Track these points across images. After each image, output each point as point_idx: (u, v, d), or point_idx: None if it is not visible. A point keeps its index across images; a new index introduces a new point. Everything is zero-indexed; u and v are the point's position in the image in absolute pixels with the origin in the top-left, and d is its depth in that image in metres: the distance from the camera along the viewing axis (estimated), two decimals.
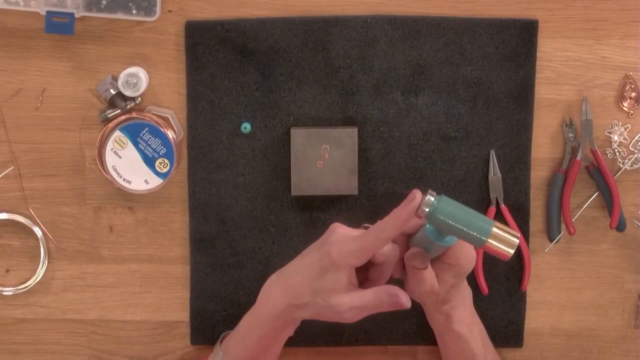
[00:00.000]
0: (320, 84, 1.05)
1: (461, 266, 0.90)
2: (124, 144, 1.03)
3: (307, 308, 0.89)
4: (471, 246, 0.89)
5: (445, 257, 0.89)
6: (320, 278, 0.87)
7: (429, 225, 0.86)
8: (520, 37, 1.04)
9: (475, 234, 0.83)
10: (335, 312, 0.88)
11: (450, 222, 0.83)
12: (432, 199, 0.83)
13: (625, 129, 1.07)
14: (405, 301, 0.87)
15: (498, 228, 0.83)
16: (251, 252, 1.08)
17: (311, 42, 1.04)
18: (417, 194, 0.83)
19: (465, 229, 0.83)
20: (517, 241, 0.83)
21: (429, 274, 0.90)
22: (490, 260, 1.08)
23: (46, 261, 1.09)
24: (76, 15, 1.01)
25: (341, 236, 0.87)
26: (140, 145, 1.03)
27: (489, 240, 0.82)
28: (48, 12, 1.00)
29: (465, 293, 0.99)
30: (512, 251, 0.83)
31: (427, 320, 1.04)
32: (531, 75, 1.05)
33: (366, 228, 0.87)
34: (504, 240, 0.83)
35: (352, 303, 0.87)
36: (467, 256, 0.89)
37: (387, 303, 0.87)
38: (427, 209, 0.83)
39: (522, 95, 1.05)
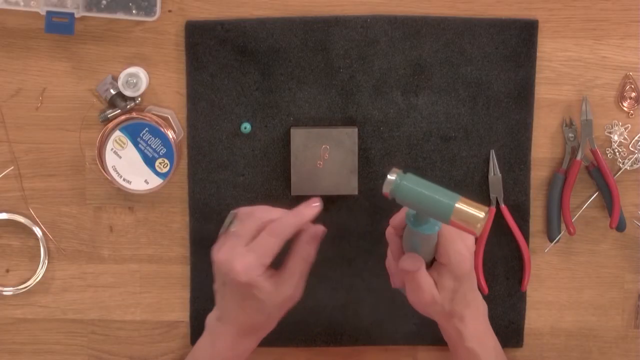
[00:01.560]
0: (320, 84, 1.05)
1: (452, 264, 0.88)
2: (124, 144, 1.03)
3: (263, 327, 0.95)
4: (462, 243, 0.88)
5: (437, 256, 0.89)
6: (251, 300, 0.90)
7: (407, 212, 0.86)
8: (520, 37, 1.04)
9: (439, 210, 0.81)
10: (288, 301, 0.92)
11: (414, 199, 0.82)
12: (394, 177, 0.83)
13: (625, 129, 1.07)
14: (310, 211, 0.91)
15: (463, 203, 0.81)
16: None
17: (311, 42, 1.04)
18: (317, 201, 0.91)
19: (428, 205, 0.82)
20: (482, 216, 0.80)
21: (424, 278, 0.89)
22: (490, 260, 1.08)
23: (46, 261, 1.09)
24: (76, 15, 1.01)
25: (230, 261, 0.89)
26: (140, 145, 1.03)
27: (453, 216, 0.81)
28: (48, 12, 1.00)
29: (478, 305, 0.95)
30: (477, 226, 0.80)
31: (429, 323, 1.02)
32: (531, 75, 1.05)
33: (235, 214, 0.91)
34: (468, 215, 0.80)
35: (289, 283, 0.91)
36: (457, 253, 0.88)
37: (306, 240, 0.91)
38: (390, 187, 0.83)
39: (522, 95, 1.05)
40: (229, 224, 0.93)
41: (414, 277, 0.89)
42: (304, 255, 0.92)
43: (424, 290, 0.89)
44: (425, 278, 0.89)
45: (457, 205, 0.81)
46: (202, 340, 0.97)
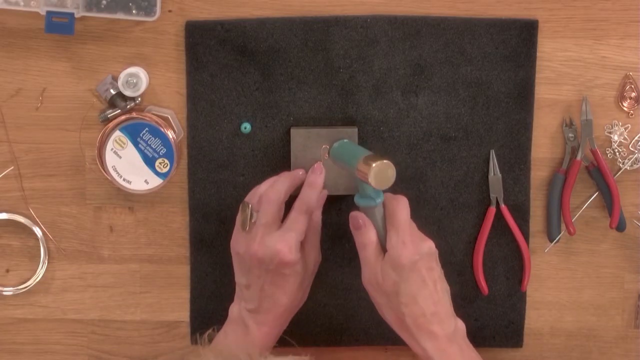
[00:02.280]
0: (320, 84, 1.05)
1: (391, 251, 0.92)
2: (124, 144, 1.03)
3: (299, 302, 1.01)
4: (409, 237, 0.93)
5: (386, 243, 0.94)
6: (294, 278, 0.97)
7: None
8: (520, 37, 1.04)
9: (351, 162, 0.94)
10: (315, 267, 1.02)
11: (340, 157, 0.99)
12: (335, 144, 1.01)
13: (625, 129, 1.07)
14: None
15: (367, 157, 0.92)
16: None
17: (311, 42, 1.04)
18: (319, 165, 1.01)
19: (346, 160, 0.97)
20: (374, 164, 0.90)
21: (369, 232, 0.94)
22: (490, 260, 1.08)
23: (46, 261, 1.09)
24: (76, 15, 1.01)
25: (273, 247, 0.95)
26: (140, 145, 1.03)
27: (358, 165, 0.92)
28: (48, 12, 1.00)
29: (442, 320, 0.93)
30: (371, 175, 0.90)
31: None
32: (531, 75, 1.05)
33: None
34: (366, 165, 0.91)
35: (312, 250, 1.00)
36: (398, 241, 0.92)
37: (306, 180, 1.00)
38: (328, 150, 1.01)
39: (522, 95, 1.05)
40: (251, 216, 0.96)
41: (359, 235, 0.95)
42: (315, 222, 1.00)
43: (368, 258, 0.94)
44: (370, 242, 0.94)
45: (361, 157, 0.92)
46: (232, 331, 0.99)
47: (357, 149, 0.98)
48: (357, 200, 0.96)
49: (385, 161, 0.91)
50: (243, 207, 0.97)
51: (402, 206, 0.94)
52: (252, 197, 0.99)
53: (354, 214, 0.96)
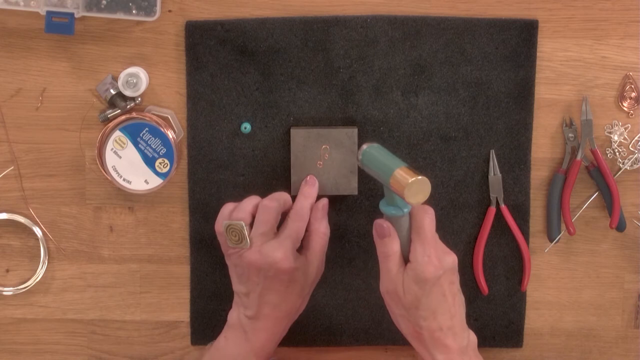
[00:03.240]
0: (320, 84, 1.05)
1: (416, 264, 0.91)
2: (124, 144, 1.03)
3: (299, 309, 1.02)
4: (433, 250, 0.91)
5: (409, 255, 0.93)
6: (293, 285, 0.98)
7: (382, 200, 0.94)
8: (520, 37, 1.04)
9: (385, 174, 0.91)
10: (317, 276, 1.01)
11: (373, 164, 0.94)
12: (366, 146, 0.95)
13: (625, 129, 1.07)
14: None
15: (403, 170, 0.90)
16: None
17: (311, 42, 1.04)
18: (313, 178, 1.03)
19: (380, 169, 0.92)
20: (410, 180, 0.88)
21: (393, 253, 0.93)
22: (490, 260, 1.08)
23: (46, 261, 1.09)
24: (76, 15, 1.01)
25: (269, 255, 0.95)
26: (140, 145, 1.03)
27: (391, 179, 0.90)
28: (48, 12, 1.00)
29: (456, 333, 0.93)
30: (405, 190, 0.88)
31: None
32: (531, 75, 1.05)
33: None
34: (402, 179, 0.89)
35: (315, 260, 1.00)
36: (424, 254, 0.91)
37: (317, 217, 1.01)
38: (360, 155, 0.95)
39: (522, 95, 1.05)
40: (245, 233, 0.96)
41: (382, 244, 0.93)
42: (321, 231, 1.01)
43: (389, 268, 0.93)
44: (393, 252, 0.93)
45: (397, 169, 0.90)
46: (232, 336, 0.99)
47: (390, 158, 0.93)
48: (384, 208, 0.94)
49: (421, 177, 0.89)
50: (233, 228, 0.96)
51: (429, 218, 0.93)
52: (239, 213, 0.98)
53: (379, 221, 0.94)
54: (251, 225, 0.98)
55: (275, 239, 0.97)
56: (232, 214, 0.98)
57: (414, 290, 0.91)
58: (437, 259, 0.91)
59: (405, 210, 0.93)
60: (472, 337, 0.96)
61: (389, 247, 0.93)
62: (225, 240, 0.98)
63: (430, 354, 0.93)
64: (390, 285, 0.93)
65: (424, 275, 0.90)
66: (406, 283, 0.92)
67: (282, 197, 1.01)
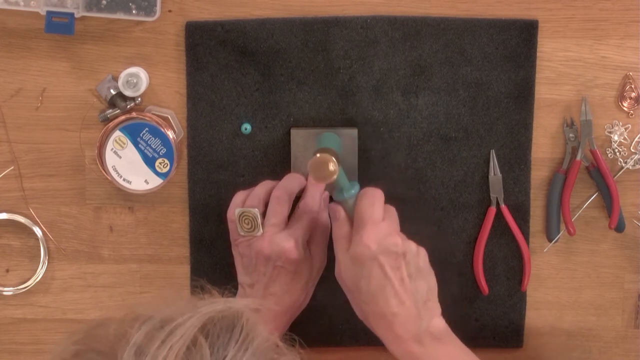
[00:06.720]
0: (320, 85, 1.05)
1: (352, 244, 0.92)
2: (124, 144, 1.03)
3: (302, 304, 1.02)
4: (372, 231, 0.91)
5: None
6: (299, 277, 0.98)
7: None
8: (520, 37, 1.04)
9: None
10: (320, 270, 1.02)
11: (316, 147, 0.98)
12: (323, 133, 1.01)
13: (626, 129, 1.07)
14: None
15: (318, 151, 0.93)
16: None
17: (311, 42, 1.04)
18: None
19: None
20: (311, 160, 0.91)
21: (342, 225, 0.94)
22: (490, 260, 1.08)
23: (46, 261, 1.09)
24: (76, 15, 1.01)
25: (281, 244, 0.96)
26: (140, 145, 1.03)
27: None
28: (48, 12, 1.00)
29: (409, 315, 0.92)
30: (310, 171, 0.92)
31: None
32: (531, 75, 1.05)
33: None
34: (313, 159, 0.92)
35: (318, 253, 1.00)
36: (359, 234, 0.91)
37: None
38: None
39: (522, 95, 1.05)
40: (259, 221, 0.97)
41: (333, 227, 0.96)
42: (322, 225, 1.01)
43: (337, 251, 0.95)
44: (342, 235, 0.94)
45: (317, 152, 0.93)
46: None
47: (326, 145, 0.99)
48: (333, 192, 0.98)
49: (319, 155, 0.92)
50: (246, 216, 0.97)
51: (367, 200, 0.93)
52: (252, 199, 0.99)
53: (331, 205, 0.97)
54: (264, 213, 0.99)
55: (287, 229, 0.98)
56: (246, 201, 1.00)
57: (351, 272, 0.93)
58: (372, 240, 0.90)
59: (346, 194, 0.95)
60: (436, 323, 0.94)
61: (336, 230, 0.95)
62: (235, 228, 0.99)
63: (381, 340, 0.94)
64: (337, 269, 0.95)
65: (355, 255, 0.91)
66: (345, 264, 0.94)
67: (296, 181, 1.01)
